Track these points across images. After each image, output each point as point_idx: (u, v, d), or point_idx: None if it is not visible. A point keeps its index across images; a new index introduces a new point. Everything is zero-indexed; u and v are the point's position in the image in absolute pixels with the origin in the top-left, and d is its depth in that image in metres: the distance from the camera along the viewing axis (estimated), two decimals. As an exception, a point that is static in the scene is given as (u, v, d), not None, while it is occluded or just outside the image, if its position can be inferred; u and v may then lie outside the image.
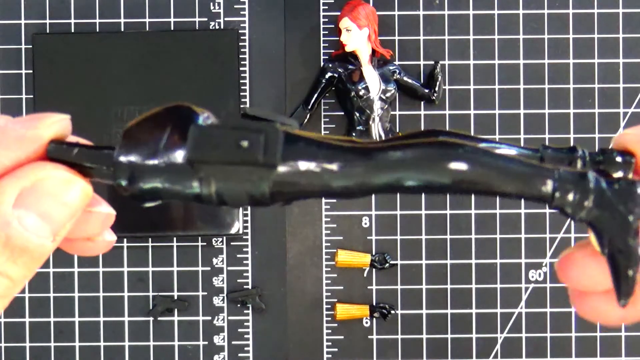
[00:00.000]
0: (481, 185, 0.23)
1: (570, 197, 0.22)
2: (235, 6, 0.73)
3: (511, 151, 0.25)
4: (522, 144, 0.77)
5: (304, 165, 0.23)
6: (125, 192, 0.25)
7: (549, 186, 0.22)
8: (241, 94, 0.72)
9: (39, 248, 0.24)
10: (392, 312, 0.72)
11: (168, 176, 0.24)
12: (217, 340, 0.73)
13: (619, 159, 0.24)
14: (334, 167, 0.23)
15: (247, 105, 0.73)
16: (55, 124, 0.26)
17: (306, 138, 0.23)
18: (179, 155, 0.23)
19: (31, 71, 0.71)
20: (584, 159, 0.25)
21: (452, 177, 0.22)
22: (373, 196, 0.73)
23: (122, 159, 0.24)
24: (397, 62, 0.72)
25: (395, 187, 0.23)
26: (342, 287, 0.73)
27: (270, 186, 0.23)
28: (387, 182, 0.23)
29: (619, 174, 0.24)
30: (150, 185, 0.24)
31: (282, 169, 0.23)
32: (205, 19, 0.73)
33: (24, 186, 0.24)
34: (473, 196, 0.73)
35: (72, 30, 0.73)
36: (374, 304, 0.73)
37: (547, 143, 0.74)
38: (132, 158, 0.24)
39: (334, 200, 0.73)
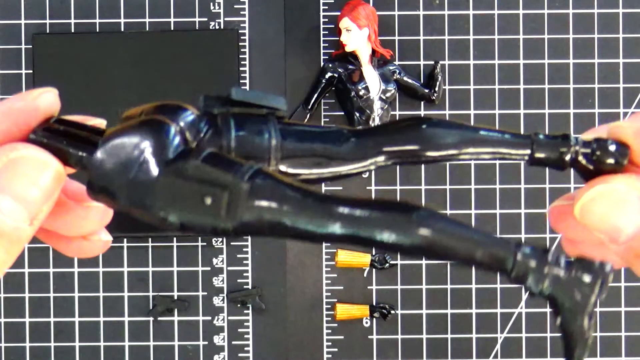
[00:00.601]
0: (440, 252, 0.23)
1: (529, 278, 0.23)
2: (235, 6, 0.73)
3: (505, 136, 0.25)
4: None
5: (268, 207, 0.23)
6: (90, 187, 0.24)
7: (509, 264, 0.23)
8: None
9: (16, 231, 0.23)
10: (392, 312, 0.72)
11: (134, 193, 0.24)
12: (217, 340, 0.73)
13: (612, 147, 0.25)
14: (297, 212, 0.23)
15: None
16: (43, 95, 0.25)
17: (275, 179, 0.23)
18: (149, 175, 0.23)
19: (31, 71, 0.71)
20: (577, 147, 0.25)
21: (420, 241, 0.23)
22: (373, 196, 0.73)
23: (99, 156, 0.24)
24: (397, 62, 0.72)
25: (355, 240, 0.23)
26: (342, 287, 0.73)
27: (234, 225, 0.23)
28: (345, 233, 0.23)
29: (610, 161, 0.24)
30: (117, 192, 0.24)
31: (246, 215, 0.23)
32: (205, 19, 0.73)
33: None
34: (473, 197, 0.73)
35: (72, 30, 0.73)
36: (374, 304, 0.73)
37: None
38: (107, 162, 0.24)
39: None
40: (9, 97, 0.25)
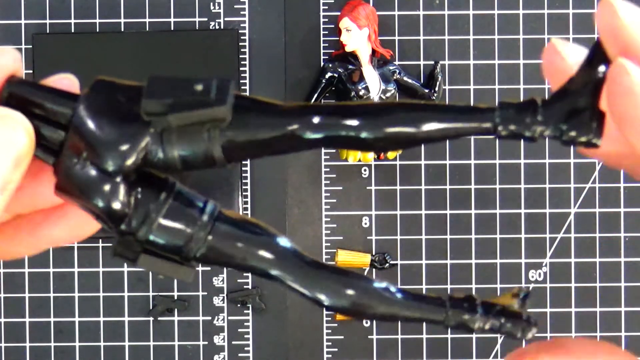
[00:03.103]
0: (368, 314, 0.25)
1: (460, 323, 0.24)
2: (235, 6, 0.73)
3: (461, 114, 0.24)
4: (522, 145, 0.77)
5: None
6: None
7: (440, 319, 0.24)
8: (241, 94, 0.72)
9: None
10: (392, 312, 0.72)
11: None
12: (217, 340, 0.73)
13: (588, 122, 0.22)
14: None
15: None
16: (5, 56, 0.24)
17: (232, 224, 0.25)
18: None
19: (31, 71, 0.71)
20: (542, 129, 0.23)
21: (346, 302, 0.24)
22: (373, 196, 0.73)
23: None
24: (397, 62, 0.72)
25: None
26: (342, 287, 0.73)
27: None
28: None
29: (582, 140, 0.22)
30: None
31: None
32: (205, 19, 0.73)
33: None
34: (473, 197, 0.73)
35: (72, 30, 0.73)
36: (374, 304, 0.73)
37: (547, 143, 0.74)
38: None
39: (334, 200, 0.73)
40: None
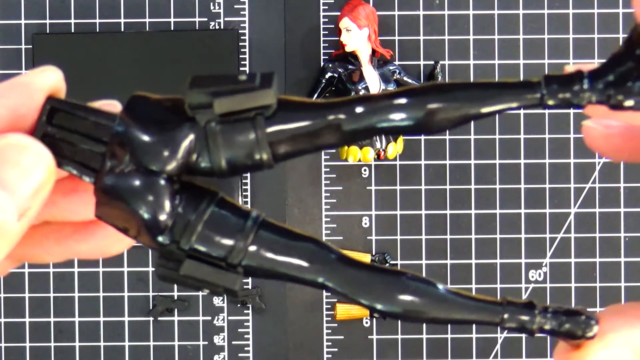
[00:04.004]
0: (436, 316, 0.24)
1: (519, 324, 0.24)
2: (235, 6, 0.73)
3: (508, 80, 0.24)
4: (522, 145, 0.77)
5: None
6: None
7: (497, 321, 0.24)
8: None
9: (3, 224, 0.21)
10: (392, 312, 0.72)
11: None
12: (217, 340, 0.73)
13: (635, 87, 0.22)
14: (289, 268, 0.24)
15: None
16: (49, 72, 0.24)
17: (276, 232, 0.24)
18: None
19: (31, 71, 0.71)
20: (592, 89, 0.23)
21: (403, 307, 0.24)
22: (373, 196, 0.73)
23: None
24: (397, 62, 0.72)
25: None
26: (342, 287, 0.73)
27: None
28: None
29: (630, 104, 0.22)
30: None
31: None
32: (205, 19, 0.73)
33: None
34: (473, 197, 0.73)
35: (72, 30, 0.73)
36: (374, 304, 0.73)
37: (547, 143, 0.74)
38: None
39: (334, 200, 0.73)
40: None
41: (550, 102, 0.23)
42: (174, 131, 0.23)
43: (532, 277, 0.73)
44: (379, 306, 0.24)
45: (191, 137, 0.23)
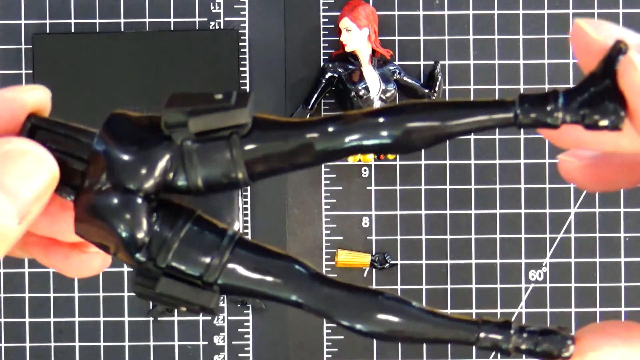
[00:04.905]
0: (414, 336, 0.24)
1: (494, 344, 0.23)
2: (235, 6, 0.73)
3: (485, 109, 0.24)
4: (522, 145, 0.77)
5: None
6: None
7: (472, 341, 0.24)
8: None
9: (3, 228, 0.22)
10: (392, 312, 0.72)
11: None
12: (217, 340, 0.73)
13: (610, 106, 0.22)
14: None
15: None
16: (35, 91, 0.24)
17: (252, 250, 0.24)
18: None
19: (31, 71, 0.71)
20: (565, 107, 0.23)
21: (385, 328, 0.24)
22: (373, 196, 0.73)
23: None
24: (397, 62, 0.72)
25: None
26: (342, 287, 0.73)
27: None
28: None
29: (604, 123, 0.22)
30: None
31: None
32: (205, 19, 0.73)
33: None
34: (473, 197, 0.73)
35: (72, 30, 0.73)
36: (374, 304, 0.73)
37: (547, 144, 0.74)
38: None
39: (334, 200, 0.73)
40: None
41: (524, 122, 0.23)
42: (150, 150, 0.23)
43: (532, 277, 0.73)
44: (358, 326, 0.24)
45: (167, 156, 0.23)
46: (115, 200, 0.23)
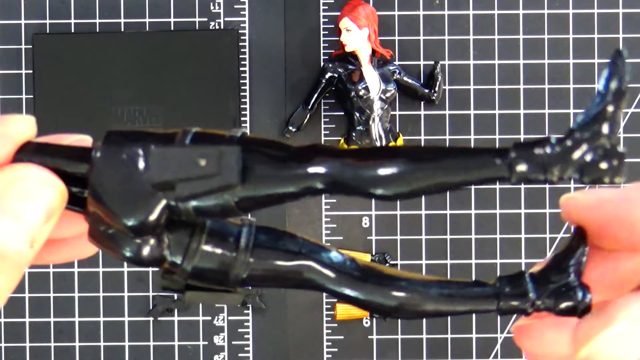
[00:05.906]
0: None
1: (515, 303, 0.24)
2: (235, 6, 0.73)
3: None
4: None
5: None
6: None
7: (492, 308, 0.25)
8: (241, 94, 0.72)
9: (16, 255, 0.22)
10: (392, 312, 0.72)
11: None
12: (217, 340, 0.73)
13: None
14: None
15: (247, 105, 0.73)
16: (21, 122, 0.24)
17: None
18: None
19: (31, 71, 0.71)
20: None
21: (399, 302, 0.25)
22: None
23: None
24: (397, 62, 0.72)
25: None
26: (342, 287, 0.73)
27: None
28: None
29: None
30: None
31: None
32: (205, 19, 0.73)
33: None
34: (473, 197, 0.73)
35: (72, 30, 0.73)
36: (374, 304, 0.73)
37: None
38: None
39: (334, 200, 0.73)
40: None
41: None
42: (146, 198, 0.23)
43: (532, 277, 0.73)
44: (372, 298, 0.24)
45: (163, 203, 0.23)
46: (119, 234, 0.24)
